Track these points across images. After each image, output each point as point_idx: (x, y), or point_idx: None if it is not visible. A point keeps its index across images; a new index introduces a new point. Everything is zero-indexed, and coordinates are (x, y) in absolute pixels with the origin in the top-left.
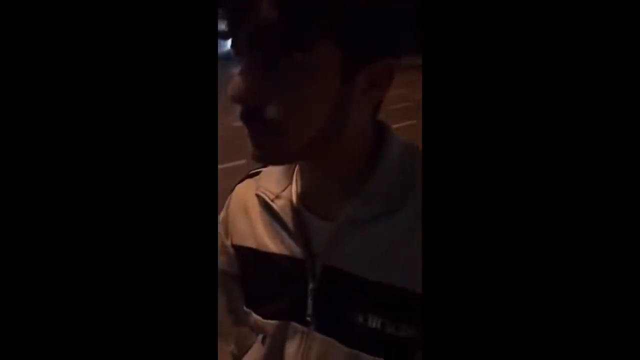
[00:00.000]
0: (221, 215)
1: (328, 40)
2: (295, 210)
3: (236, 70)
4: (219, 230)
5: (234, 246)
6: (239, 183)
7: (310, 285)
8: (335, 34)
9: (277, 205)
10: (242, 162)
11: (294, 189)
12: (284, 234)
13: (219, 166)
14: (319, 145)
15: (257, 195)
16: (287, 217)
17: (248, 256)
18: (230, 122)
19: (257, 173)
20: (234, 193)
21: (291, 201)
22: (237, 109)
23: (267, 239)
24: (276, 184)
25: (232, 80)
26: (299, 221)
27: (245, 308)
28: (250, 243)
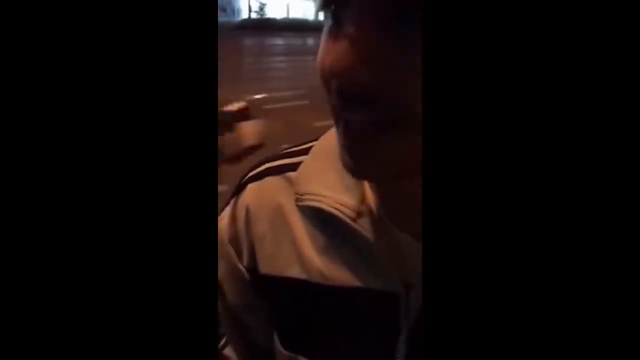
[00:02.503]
0: (226, 228)
1: None
2: (385, 231)
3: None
4: (225, 251)
5: (258, 274)
6: (251, 180)
7: (404, 323)
8: None
9: (360, 225)
10: None
11: (371, 199)
12: (367, 262)
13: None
14: None
15: (319, 209)
16: (376, 240)
17: (293, 290)
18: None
19: (284, 168)
20: (247, 196)
21: (377, 218)
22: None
23: (331, 268)
24: (346, 193)
25: (328, 44)
26: (392, 245)
27: (284, 351)
28: (294, 272)
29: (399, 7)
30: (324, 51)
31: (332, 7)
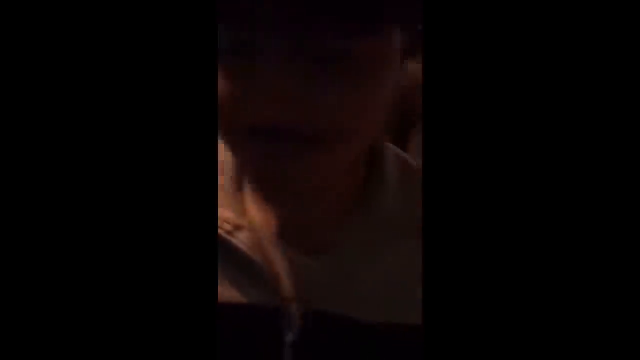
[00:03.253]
0: None
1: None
2: (266, 245)
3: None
4: None
5: None
6: None
7: (289, 337)
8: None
9: (239, 239)
10: None
11: (253, 212)
12: (248, 277)
13: None
14: (360, 158)
15: None
16: (256, 255)
17: None
18: None
19: None
20: None
21: (258, 232)
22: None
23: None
24: (224, 206)
25: (229, 79)
26: (271, 258)
27: None
28: None
29: (305, 43)
30: (225, 86)
31: (238, 44)
